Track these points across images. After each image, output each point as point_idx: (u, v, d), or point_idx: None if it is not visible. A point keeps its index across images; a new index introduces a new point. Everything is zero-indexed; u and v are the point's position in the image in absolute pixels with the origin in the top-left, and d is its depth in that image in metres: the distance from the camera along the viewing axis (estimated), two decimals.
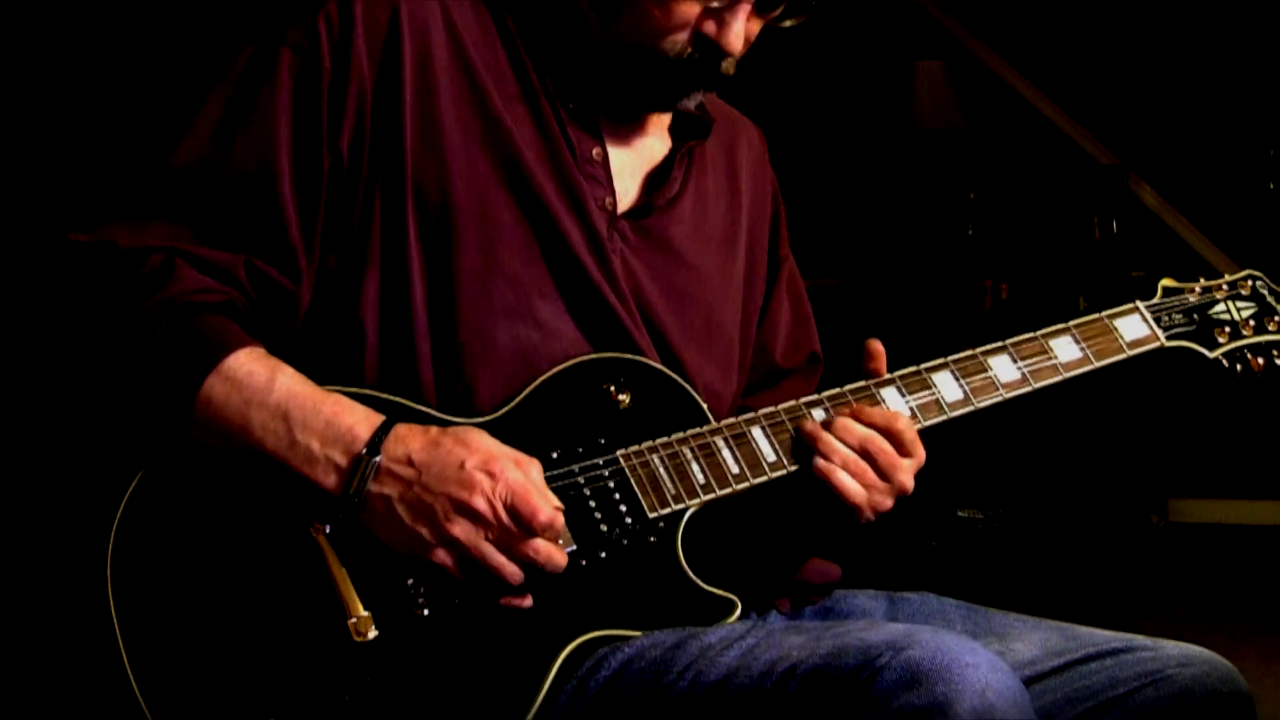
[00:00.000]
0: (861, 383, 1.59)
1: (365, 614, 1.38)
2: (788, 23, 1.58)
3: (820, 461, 1.53)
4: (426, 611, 1.40)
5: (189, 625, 1.36)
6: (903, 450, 1.54)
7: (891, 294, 5.88)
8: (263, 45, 1.51)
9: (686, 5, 1.51)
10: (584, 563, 1.46)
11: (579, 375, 1.52)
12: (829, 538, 1.66)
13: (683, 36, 1.53)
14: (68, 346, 1.42)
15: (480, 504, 1.37)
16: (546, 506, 1.40)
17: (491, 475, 1.38)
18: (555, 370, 1.51)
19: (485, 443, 1.41)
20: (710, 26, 1.53)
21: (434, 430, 1.41)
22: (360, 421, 1.40)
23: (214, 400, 1.39)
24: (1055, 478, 5.66)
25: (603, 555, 1.46)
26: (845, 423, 1.54)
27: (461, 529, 1.38)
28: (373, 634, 1.38)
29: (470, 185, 1.51)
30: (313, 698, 1.36)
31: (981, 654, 1.28)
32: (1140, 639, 1.55)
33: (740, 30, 1.53)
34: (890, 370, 1.60)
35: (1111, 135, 5.87)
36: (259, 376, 1.40)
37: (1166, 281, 1.76)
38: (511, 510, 1.38)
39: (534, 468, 1.42)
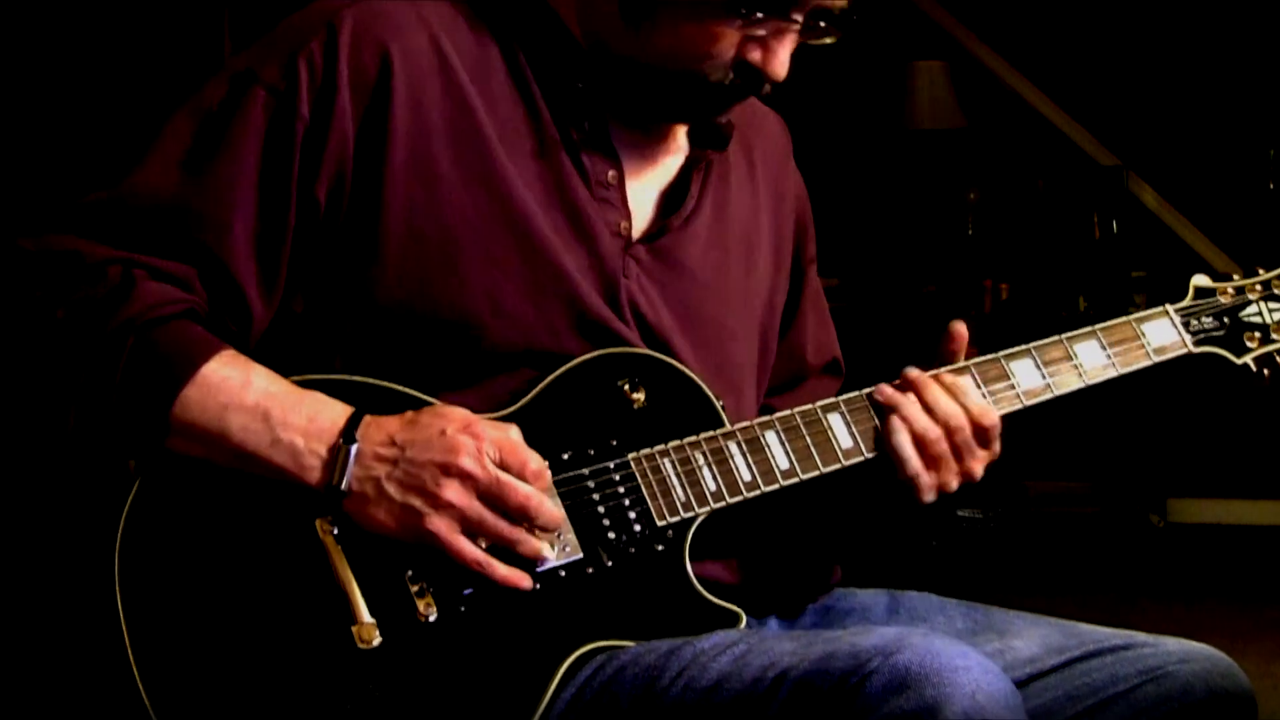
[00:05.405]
0: (882, 385, 1.56)
1: (370, 621, 1.37)
2: (827, 40, 1.53)
3: (894, 420, 1.52)
4: (432, 617, 1.39)
5: (197, 629, 1.36)
6: (983, 441, 1.54)
7: (892, 294, 5.88)
8: (237, 78, 1.45)
9: (730, 30, 1.46)
10: (590, 570, 1.45)
11: (592, 372, 1.50)
12: (856, 536, 1.66)
13: (725, 61, 1.48)
14: (28, 364, 1.39)
15: (468, 463, 1.37)
16: (534, 457, 1.40)
17: (474, 436, 1.38)
18: (568, 367, 1.49)
19: (460, 410, 1.41)
20: (755, 54, 1.49)
21: (409, 412, 1.41)
22: (340, 415, 1.40)
23: (190, 409, 1.38)
24: (1055, 478, 5.66)
25: (609, 564, 1.45)
26: (935, 394, 1.53)
27: (454, 491, 1.37)
28: (377, 641, 1.37)
29: (472, 229, 1.47)
30: (314, 705, 1.35)
31: (973, 657, 1.27)
32: (1141, 636, 1.54)
33: (786, 58, 1.50)
34: (894, 376, 1.58)
35: (1111, 135, 5.87)
36: (234, 380, 1.39)
37: (1199, 280, 1.69)
38: (500, 465, 1.38)
39: (513, 428, 1.42)
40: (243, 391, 1.38)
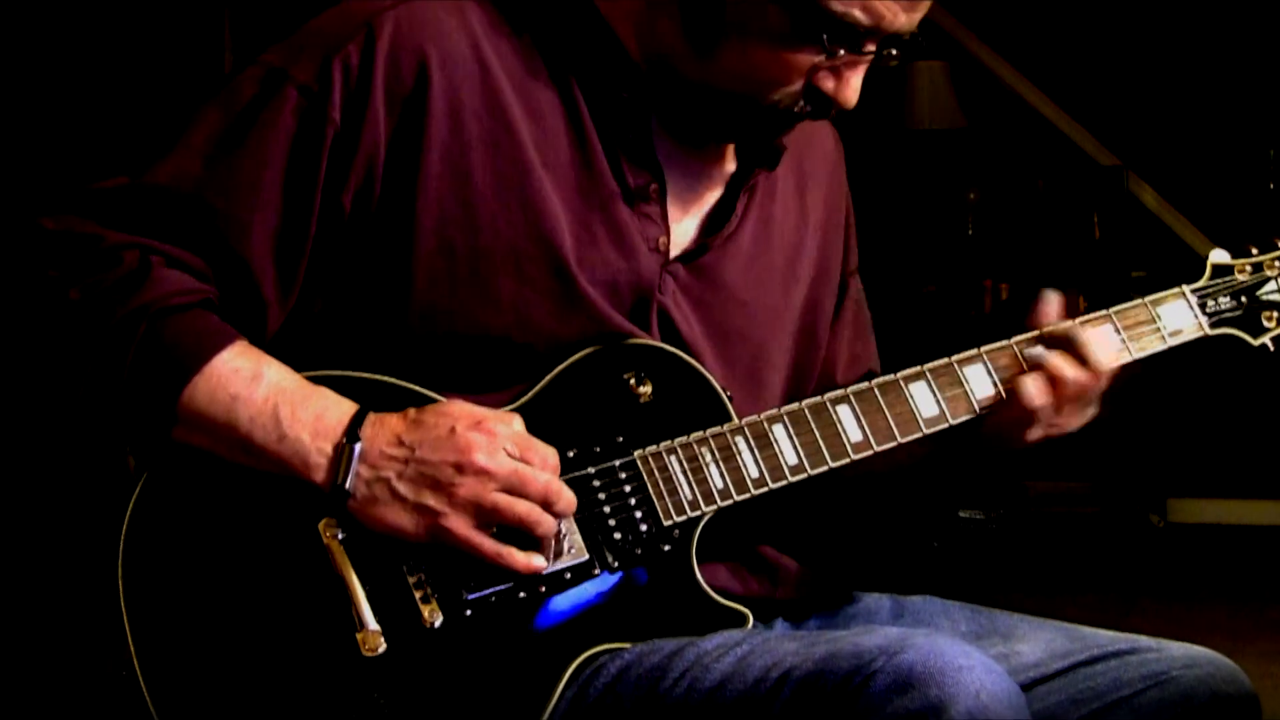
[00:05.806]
0: (890, 376, 1.54)
1: (375, 628, 1.37)
2: (892, 64, 1.52)
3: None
4: (437, 623, 1.39)
5: (202, 634, 1.35)
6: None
7: (892, 294, 5.88)
8: (270, 75, 1.43)
9: (804, 56, 1.44)
10: (596, 572, 1.44)
11: (597, 365, 1.48)
12: (864, 531, 1.65)
13: (796, 88, 1.46)
14: (39, 343, 1.39)
15: (482, 460, 1.36)
16: (552, 452, 1.40)
17: (486, 433, 1.37)
18: (571, 360, 1.48)
19: (465, 406, 1.40)
20: (828, 82, 1.47)
21: (411, 410, 1.40)
22: (345, 413, 1.39)
23: (199, 399, 1.37)
24: (1055, 478, 5.66)
25: (615, 564, 1.45)
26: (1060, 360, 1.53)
27: (469, 488, 1.36)
28: (381, 648, 1.37)
29: (504, 243, 1.45)
30: (319, 713, 1.35)
31: (976, 657, 1.27)
32: (1145, 640, 1.54)
33: (859, 85, 1.48)
34: (913, 363, 1.56)
35: (1111, 135, 5.87)
36: (245, 372, 1.38)
37: (1216, 256, 1.64)
38: (514, 459, 1.38)
39: (516, 419, 1.41)
40: (253, 384, 1.38)
